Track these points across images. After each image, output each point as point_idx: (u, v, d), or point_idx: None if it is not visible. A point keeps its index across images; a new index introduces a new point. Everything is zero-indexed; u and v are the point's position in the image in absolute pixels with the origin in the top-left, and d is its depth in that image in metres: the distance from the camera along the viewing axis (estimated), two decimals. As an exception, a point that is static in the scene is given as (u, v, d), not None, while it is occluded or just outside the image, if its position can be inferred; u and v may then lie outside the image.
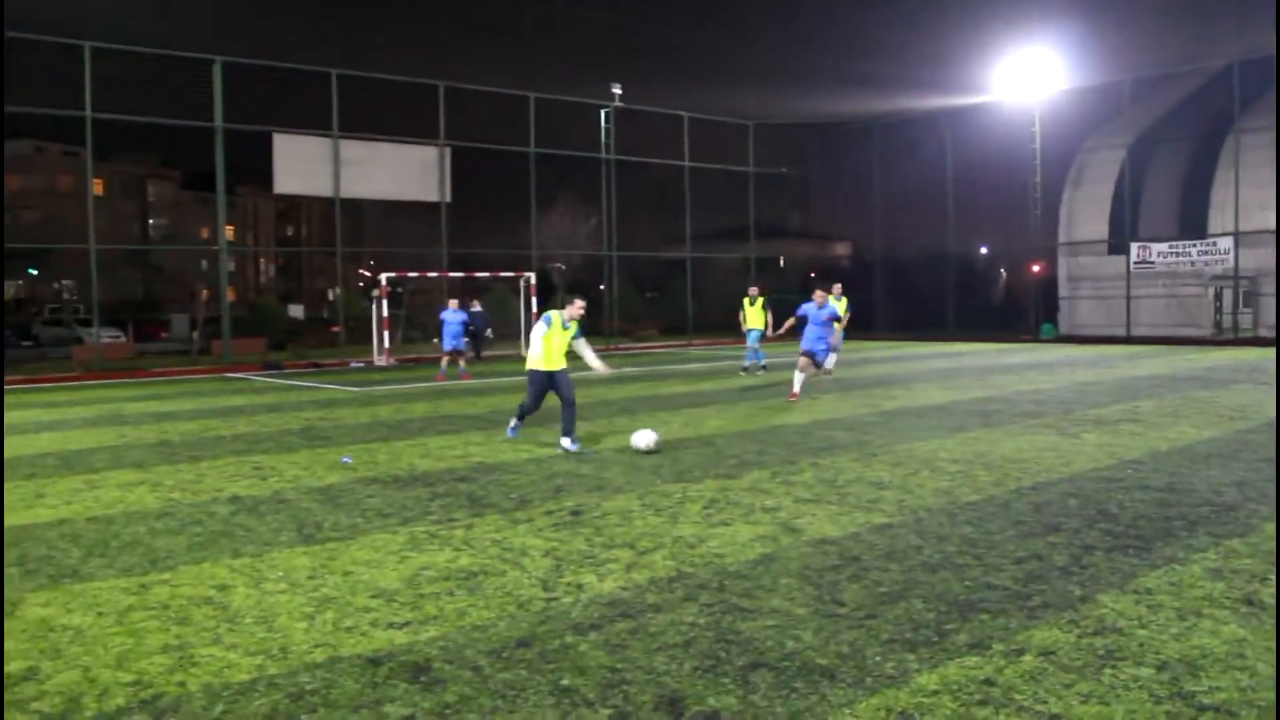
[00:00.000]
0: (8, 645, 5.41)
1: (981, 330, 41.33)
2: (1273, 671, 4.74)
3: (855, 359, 28.22)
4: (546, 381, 11.89)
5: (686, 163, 43.60)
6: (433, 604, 5.98)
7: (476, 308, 31.60)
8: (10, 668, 5.09)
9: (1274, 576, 6.12)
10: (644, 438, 11.63)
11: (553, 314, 11.84)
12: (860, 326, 37.48)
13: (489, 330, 32.00)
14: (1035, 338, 39.42)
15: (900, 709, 4.36)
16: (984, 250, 49.93)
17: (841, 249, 53.02)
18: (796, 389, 17.23)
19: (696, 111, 42.82)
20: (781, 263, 50.67)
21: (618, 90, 40.78)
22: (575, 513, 8.45)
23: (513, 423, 12.96)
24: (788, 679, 4.71)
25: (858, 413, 14.88)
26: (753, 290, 24.44)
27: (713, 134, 44.75)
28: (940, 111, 42.98)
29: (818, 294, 18.09)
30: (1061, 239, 41.72)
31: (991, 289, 49.72)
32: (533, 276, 34.83)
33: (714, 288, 46.05)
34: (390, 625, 5.60)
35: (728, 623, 5.54)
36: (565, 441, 11.92)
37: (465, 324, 24.16)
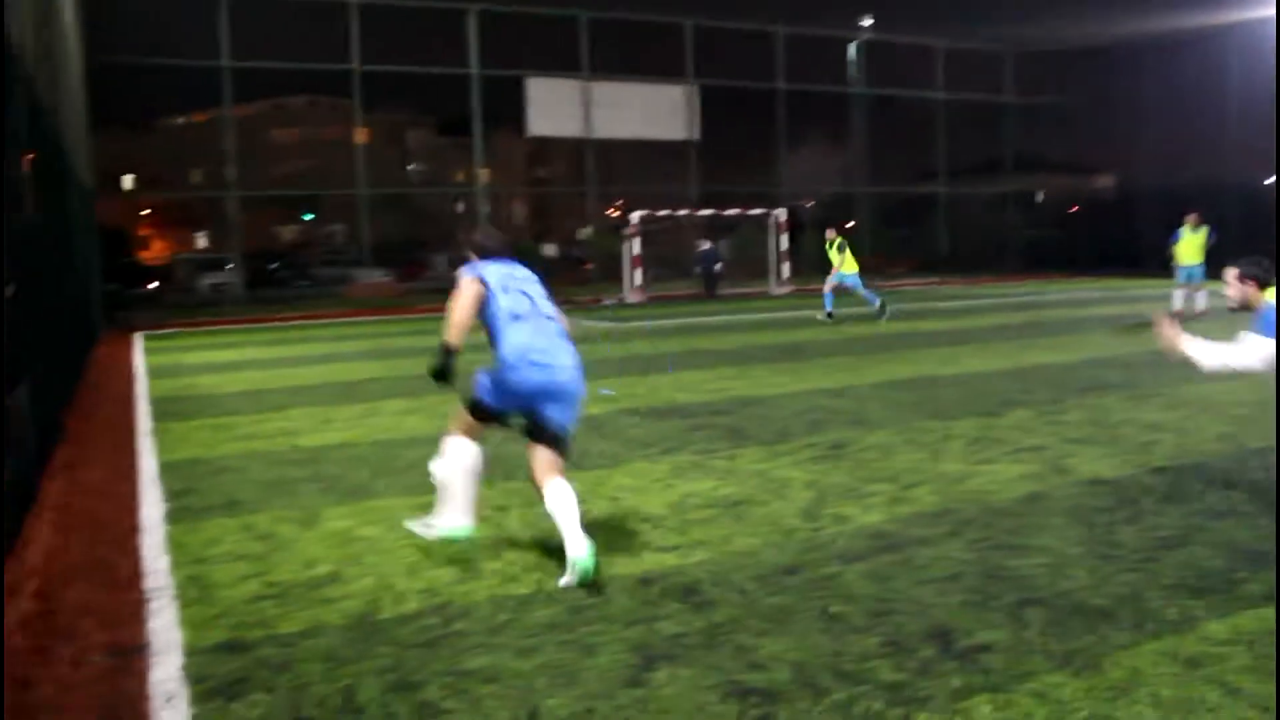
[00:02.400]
0: (314, 551, 5.92)
1: None
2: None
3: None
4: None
5: (941, 94, 42.15)
6: (699, 530, 6.13)
7: (707, 245, 31.94)
8: (318, 570, 5.57)
9: None
10: None
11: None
12: (1130, 264, 35.58)
13: (719, 265, 32.35)
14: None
15: (1186, 656, 4.18)
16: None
17: (1104, 181, 49.78)
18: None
19: (952, 41, 41.25)
20: (1040, 197, 48.21)
21: (867, 23, 39.74)
22: (836, 446, 8.42)
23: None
24: (1061, 617, 4.60)
25: (1130, 351, 14.03)
26: (829, 232, 21.47)
27: (967, 64, 43.04)
28: (1222, 28, 39.53)
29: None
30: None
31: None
32: (782, 213, 34.45)
33: (968, 223, 44.42)
34: (659, 549, 5.78)
35: (996, 559, 5.43)
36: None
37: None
